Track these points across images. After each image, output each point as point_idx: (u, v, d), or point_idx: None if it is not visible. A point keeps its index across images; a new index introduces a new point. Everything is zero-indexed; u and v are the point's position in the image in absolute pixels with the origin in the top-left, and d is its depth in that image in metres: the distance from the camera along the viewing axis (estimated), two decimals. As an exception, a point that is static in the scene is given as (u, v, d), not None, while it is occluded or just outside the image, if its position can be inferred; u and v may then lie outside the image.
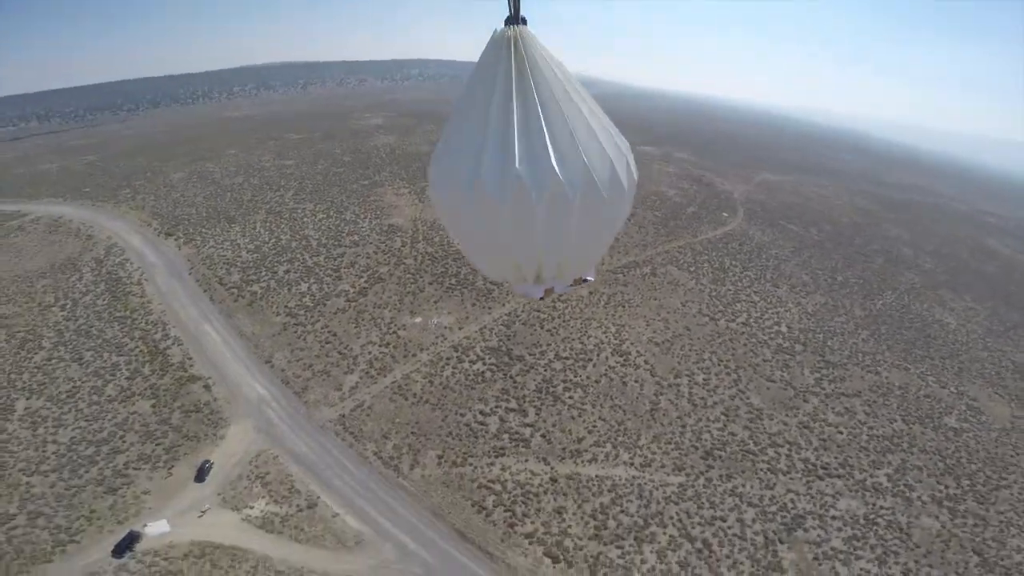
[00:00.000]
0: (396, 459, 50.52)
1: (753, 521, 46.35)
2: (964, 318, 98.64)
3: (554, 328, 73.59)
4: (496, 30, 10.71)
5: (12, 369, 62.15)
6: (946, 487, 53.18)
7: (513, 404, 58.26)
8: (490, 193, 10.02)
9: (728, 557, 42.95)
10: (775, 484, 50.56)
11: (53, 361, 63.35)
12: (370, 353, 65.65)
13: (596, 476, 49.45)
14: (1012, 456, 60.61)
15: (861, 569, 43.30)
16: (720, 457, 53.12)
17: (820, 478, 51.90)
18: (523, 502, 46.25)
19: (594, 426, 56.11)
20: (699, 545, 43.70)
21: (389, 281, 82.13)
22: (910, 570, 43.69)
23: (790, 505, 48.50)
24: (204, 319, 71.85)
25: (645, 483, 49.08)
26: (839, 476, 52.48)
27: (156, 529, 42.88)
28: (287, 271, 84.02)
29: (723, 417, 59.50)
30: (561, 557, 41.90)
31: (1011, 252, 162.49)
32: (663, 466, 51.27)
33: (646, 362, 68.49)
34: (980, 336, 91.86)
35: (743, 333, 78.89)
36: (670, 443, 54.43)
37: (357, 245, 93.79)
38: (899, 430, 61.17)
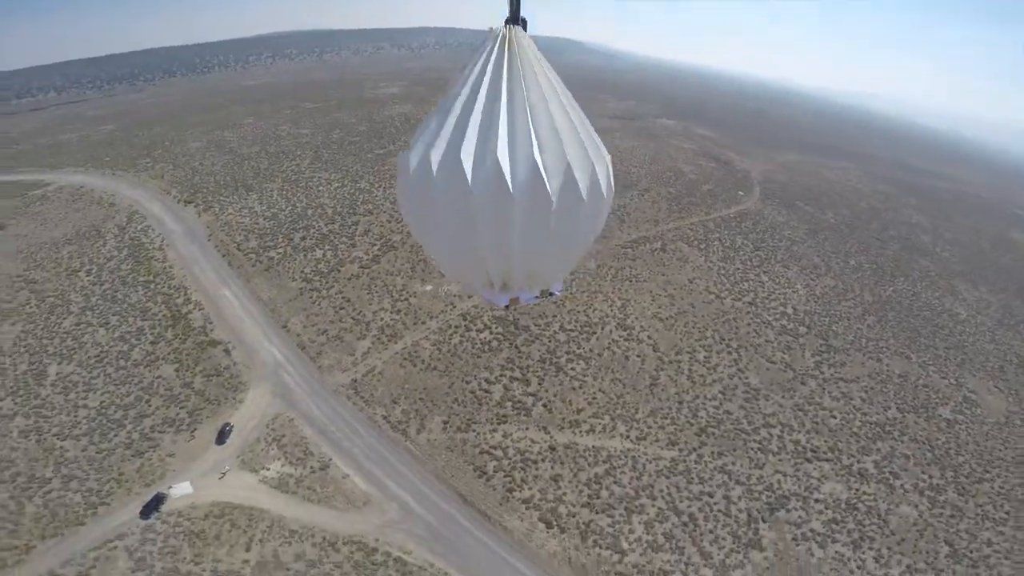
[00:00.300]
0: (404, 423, 53.27)
1: (739, 499, 48.36)
2: (975, 309, 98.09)
3: (561, 300, 75.03)
4: (493, 29, 10.82)
5: (44, 334, 65.52)
6: (930, 477, 54.47)
7: (517, 373, 60.49)
8: (470, 186, 9.85)
9: (711, 532, 45.13)
10: (764, 464, 52.43)
11: (81, 326, 66.62)
12: (382, 319, 68.01)
13: (593, 447, 51.81)
14: (1000, 450, 61.53)
15: (836, 552, 45.11)
16: (713, 434, 55.02)
17: (808, 460, 53.60)
18: (522, 468, 48.85)
19: (594, 398, 58.21)
20: (685, 519, 45.90)
21: (401, 249, 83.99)
22: (882, 556, 45.38)
23: (776, 486, 50.32)
24: (223, 284, 74.58)
25: (639, 456, 51.32)
26: (827, 460, 54.08)
27: (180, 491, 45.73)
28: (303, 238, 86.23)
29: (720, 395, 61.17)
30: (555, 523, 44.46)
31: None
32: (657, 440, 53.40)
33: (649, 337, 69.98)
34: (989, 328, 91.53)
35: (748, 312, 79.77)
36: (666, 418, 56.43)
37: (371, 213, 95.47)
38: (892, 418, 62.30)
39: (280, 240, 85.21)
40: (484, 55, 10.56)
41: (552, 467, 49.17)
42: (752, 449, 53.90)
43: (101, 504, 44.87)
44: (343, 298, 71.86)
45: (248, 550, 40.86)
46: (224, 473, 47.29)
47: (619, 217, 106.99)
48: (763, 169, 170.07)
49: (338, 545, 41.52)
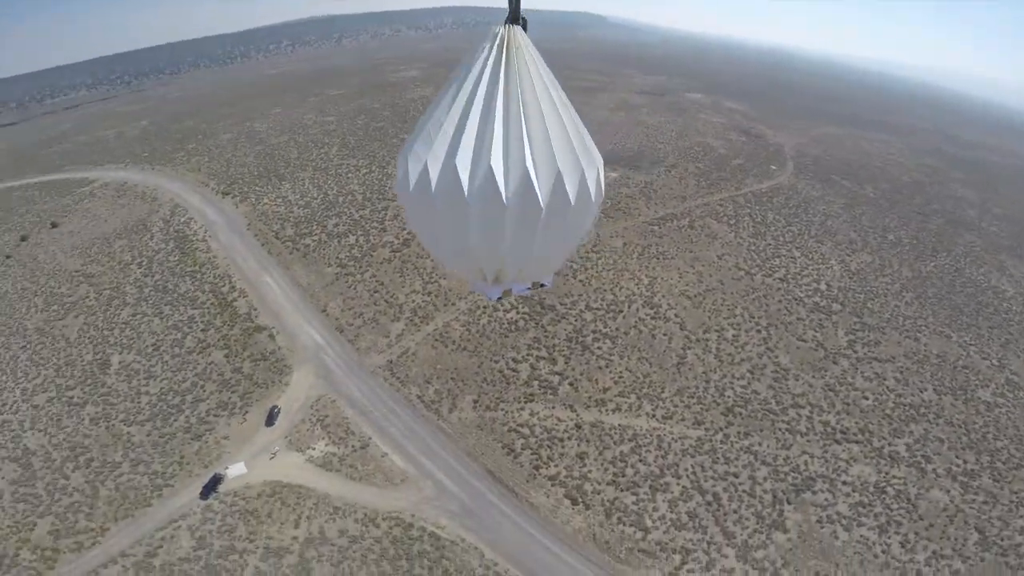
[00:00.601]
0: (437, 403, 55.64)
1: (764, 479, 48.85)
2: (1023, 286, 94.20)
3: (587, 279, 75.87)
4: (492, 28, 10.86)
5: (104, 325, 70.30)
6: (964, 462, 53.43)
7: (544, 352, 62.02)
8: (464, 193, 10.08)
9: (735, 512, 45.89)
10: (791, 445, 52.62)
11: (137, 316, 71.16)
12: (414, 302, 70.30)
13: (619, 425, 53.13)
14: (1042, 435, 59.78)
15: (861, 536, 45.15)
16: (740, 414, 55.48)
17: (837, 442, 53.42)
18: (548, 446, 50.61)
19: (620, 377, 59.31)
20: (709, 498, 46.79)
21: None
22: (908, 541, 45.18)
23: (803, 467, 50.49)
24: (264, 271, 78.13)
25: (665, 435, 52.38)
26: (857, 442, 53.74)
27: (235, 471, 48.84)
28: (336, 224, 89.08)
29: (748, 375, 61.32)
30: (580, 500, 46.07)
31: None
32: (683, 419, 54.28)
33: (676, 315, 70.24)
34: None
35: (779, 289, 78.89)
36: (692, 397, 57.16)
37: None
38: (928, 400, 61.12)
39: (315, 227, 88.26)
40: (482, 56, 10.67)
41: (578, 445, 50.77)
42: (780, 430, 54.15)
43: (166, 486, 48.48)
44: (377, 281, 74.41)
45: (297, 527, 43.93)
46: (274, 454, 50.44)
47: (645, 194, 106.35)
48: (797, 143, 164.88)
49: (378, 521, 44.22)
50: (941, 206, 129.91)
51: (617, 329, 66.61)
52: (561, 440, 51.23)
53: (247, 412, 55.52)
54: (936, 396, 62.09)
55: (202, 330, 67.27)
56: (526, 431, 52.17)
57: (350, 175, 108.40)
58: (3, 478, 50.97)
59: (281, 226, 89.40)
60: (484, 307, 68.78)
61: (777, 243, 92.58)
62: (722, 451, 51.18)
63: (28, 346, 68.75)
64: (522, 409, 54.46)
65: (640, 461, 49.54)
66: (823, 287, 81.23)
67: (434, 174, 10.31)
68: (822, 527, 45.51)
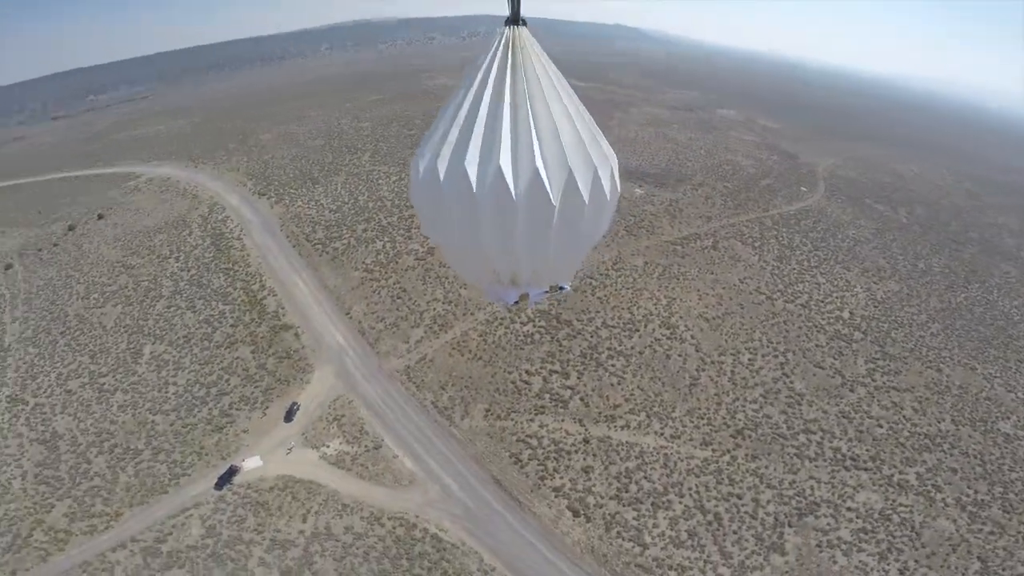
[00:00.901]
0: (449, 409, 57.19)
1: (768, 502, 48.93)
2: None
3: (605, 296, 76.60)
4: (496, 30, 11.04)
5: (140, 315, 74.04)
6: (975, 492, 52.65)
7: (557, 367, 63.03)
8: (475, 194, 10.16)
9: (735, 532, 46.12)
10: (799, 469, 52.52)
11: (172, 308, 74.75)
12: (434, 310, 72.16)
13: (626, 442, 53.79)
14: (1063, 469, 58.24)
15: (860, 561, 44.94)
16: (750, 437, 55.55)
17: (846, 469, 53.12)
18: (555, 458, 51.59)
19: (632, 394, 59.94)
20: (710, 518, 47.11)
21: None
22: (908, 568, 44.81)
23: (808, 492, 50.39)
24: (294, 272, 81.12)
25: (671, 453, 52.83)
26: (866, 469, 53.36)
27: (251, 464, 50.77)
28: (364, 230, 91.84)
29: (761, 399, 61.28)
30: (582, 512, 46.92)
31: None
32: (692, 439, 54.63)
33: (693, 337, 70.47)
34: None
35: (800, 315, 78.36)
36: (703, 418, 57.43)
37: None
38: (945, 430, 60.18)
39: (344, 232, 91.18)
40: (488, 58, 10.76)
41: (584, 459, 51.60)
42: (788, 454, 54.08)
43: (183, 475, 50.80)
44: (400, 288, 76.61)
45: (304, 521, 45.77)
46: (290, 449, 52.49)
47: (670, 212, 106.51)
48: (831, 163, 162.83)
49: (383, 520, 45.79)
50: (978, 234, 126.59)
51: (632, 348, 67.22)
52: (568, 453, 52.14)
53: (268, 407, 57.92)
54: (954, 426, 61.13)
55: (231, 325, 70.32)
56: (534, 442, 53.25)
57: (381, 181, 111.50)
58: (29, 460, 54.03)
59: (312, 228, 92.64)
60: (501, 319, 70.21)
61: (802, 268, 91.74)
62: (728, 472, 51.38)
63: (67, 332, 72.89)
64: (532, 420, 55.58)
65: (645, 478, 50.11)
66: (846, 315, 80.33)
67: (444, 176, 10.49)
68: (821, 551, 45.48)
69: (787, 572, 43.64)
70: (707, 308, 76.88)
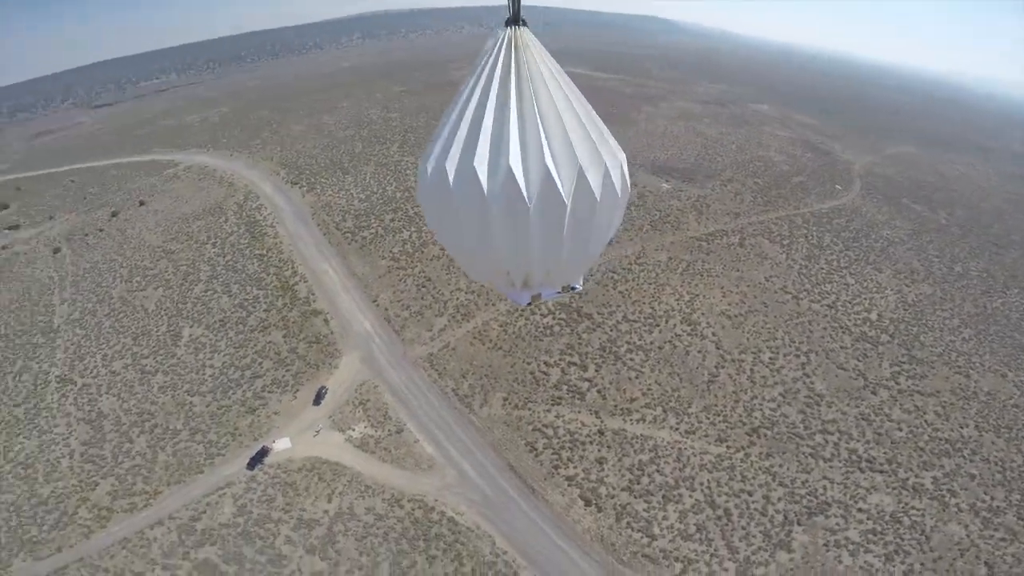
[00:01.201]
0: (469, 397, 58.86)
1: (778, 500, 49.25)
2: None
3: (627, 291, 77.03)
4: (497, 31, 11.04)
5: (179, 299, 77.73)
6: (992, 498, 51.84)
7: (575, 359, 64.06)
8: (486, 195, 10.07)
9: (743, 528, 46.69)
10: (812, 469, 52.57)
11: (209, 292, 78.22)
12: (457, 299, 73.80)
13: (641, 435, 54.62)
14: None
15: (866, 562, 44.99)
16: (765, 435, 55.69)
17: (861, 470, 52.91)
18: (570, 448, 52.84)
19: (649, 389, 60.57)
20: (720, 513, 47.77)
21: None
22: (913, 571, 44.68)
23: (820, 491, 50.47)
24: (324, 259, 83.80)
25: (685, 448, 53.48)
26: (881, 471, 53.03)
27: (281, 445, 53.31)
28: (392, 219, 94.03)
29: (780, 398, 61.16)
30: (593, 501, 48.16)
31: None
32: (706, 435, 55.10)
33: (714, 334, 70.42)
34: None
35: (825, 316, 77.35)
36: (719, 415, 57.75)
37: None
38: (967, 436, 59.09)
39: (372, 221, 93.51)
40: (491, 58, 10.73)
41: (599, 450, 52.70)
42: (803, 454, 54.09)
43: (218, 455, 53.66)
44: (425, 277, 78.46)
45: (329, 501, 48.19)
46: (318, 431, 54.91)
47: (697, 208, 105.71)
48: (868, 161, 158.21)
49: (403, 502, 47.92)
50: (1022, 237, 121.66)
51: (651, 343, 67.67)
52: (583, 443, 53.29)
53: (298, 390, 60.53)
54: (976, 432, 60.01)
55: (264, 310, 73.28)
56: (550, 432, 54.55)
57: (409, 172, 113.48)
58: (76, 439, 57.67)
59: (342, 217, 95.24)
60: (522, 311, 71.36)
61: (830, 268, 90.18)
62: (740, 469, 51.80)
63: (112, 314, 77.03)
64: (548, 411, 56.84)
65: (657, 471, 50.94)
66: (873, 317, 78.92)
67: (453, 178, 10.39)
68: (828, 551, 45.71)
69: (792, 570, 44.07)
70: (730, 305, 76.53)
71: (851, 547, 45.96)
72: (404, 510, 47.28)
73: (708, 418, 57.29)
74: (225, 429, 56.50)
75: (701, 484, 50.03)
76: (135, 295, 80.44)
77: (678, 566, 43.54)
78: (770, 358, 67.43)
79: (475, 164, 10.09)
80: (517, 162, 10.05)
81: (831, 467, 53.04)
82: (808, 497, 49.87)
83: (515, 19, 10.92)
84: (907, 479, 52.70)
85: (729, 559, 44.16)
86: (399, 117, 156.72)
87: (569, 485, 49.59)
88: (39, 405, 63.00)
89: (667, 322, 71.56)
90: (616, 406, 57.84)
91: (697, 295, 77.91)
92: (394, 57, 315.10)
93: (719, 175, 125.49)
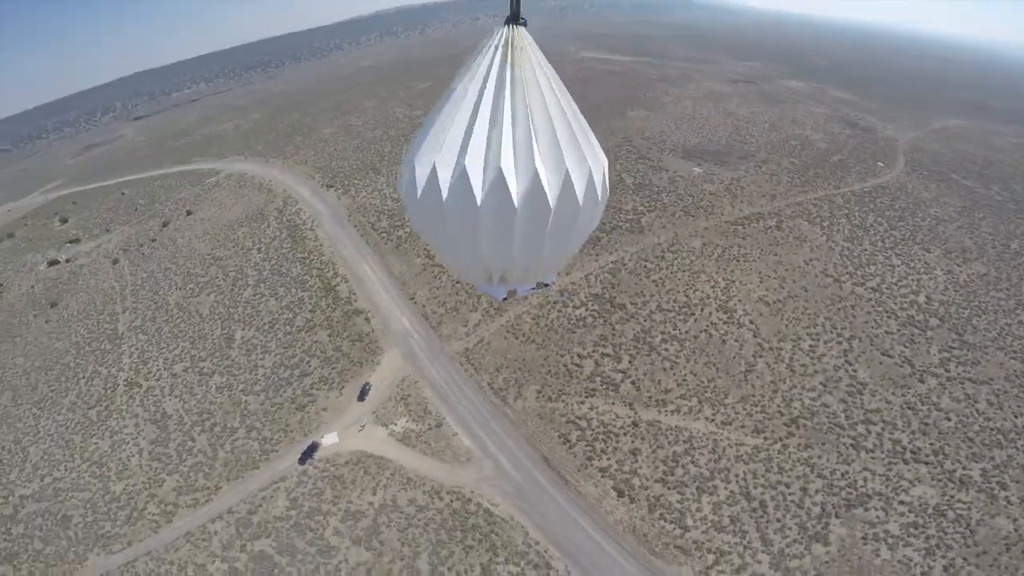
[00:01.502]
0: (504, 390, 60.19)
1: (816, 492, 48.56)
2: None
3: (660, 279, 76.53)
4: (495, 29, 11.07)
5: (230, 303, 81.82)
6: None
7: (609, 350, 64.44)
8: (476, 196, 10.12)
9: (779, 520, 46.34)
10: (853, 460, 51.53)
11: (257, 296, 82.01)
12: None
13: (675, 426, 54.78)
14: None
15: (904, 556, 43.94)
16: (804, 426, 54.87)
17: (905, 462, 51.47)
18: (603, 440, 53.53)
19: (684, 379, 60.46)
20: (755, 504, 47.56)
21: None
22: (953, 565, 43.37)
23: (860, 483, 49.45)
24: (362, 259, 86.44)
25: (721, 440, 53.34)
26: (926, 463, 51.45)
27: (329, 440, 56.08)
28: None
29: (820, 387, 59.96)
30: (626, 493, 48.78)
31: None
32: (743, 426, 54.75)
33: (751, 322, 69.26)
34: None
35: (869, 300, 74.88)
36: (756, 406, 57.20)
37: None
38: (1021, 425, 56.37)
39: (406, 220, 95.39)
40: (486, 57, 10.75)
41: (632, 441, 53.18)
42: (844, 444, 53.08)
43: (272, 451, 56.88)
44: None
45: (374, 494, 50.52)
46: (363, 426, 57.42)
47: (731, 191, 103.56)
48: (912, 136, 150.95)
49: (442, 494, 49.82)
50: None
51: (687, 332, 67.25)
52: (616, 435, 53.89)
53: (343, 387, 63.23)
54: (1033, 422, 57.25)
55: (310, 311, 76.44)
56: (583, 424, 55.35)
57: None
58: (144, 438, 62.12)
59: (377, 218, 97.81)
60: (554, 303, 72.15)
61: (874, 249, 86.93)
62: (778, 461, 51.32)
63: (170, 320, 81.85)
64: (582, 403, 57.61)
65: (692, 463, 51.09)
66: (922, 300, 75.91)
67: (444, 178, 10.40)
68: (866, 544, 44.90)
69: (827, 563, 43.60)
70: (768, 291, 74.99)
71: (890, 540, 45.00)
72: (443, 501, 49.15)
73: (745, 409, 56.86)
74: (278, 426, 59.62)
75: (736, 476, 49.89)
76: (190, 301, 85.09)
77: (710, 557, 43.80)
78: (810, 346, 66.03)
79: (466, 163, 10.17)
80: (509, 164, 10.15)
81: (873, 458, 51.88)
82: (847, 489, 49.01)
83: (515, 18, 10.99)
84: (954, 471, 51.01)
85: (763, 551, 44.06)
86: (423, 114, 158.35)
87: (602, 476, 50.35)
88: (110, 407, 67.96)
89: (702, 310, 70.87)
90: (651, 397, 58.07)
91: (733, 281, 76.63)
92: (412, 54, 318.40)
93: (753, 156, 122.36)
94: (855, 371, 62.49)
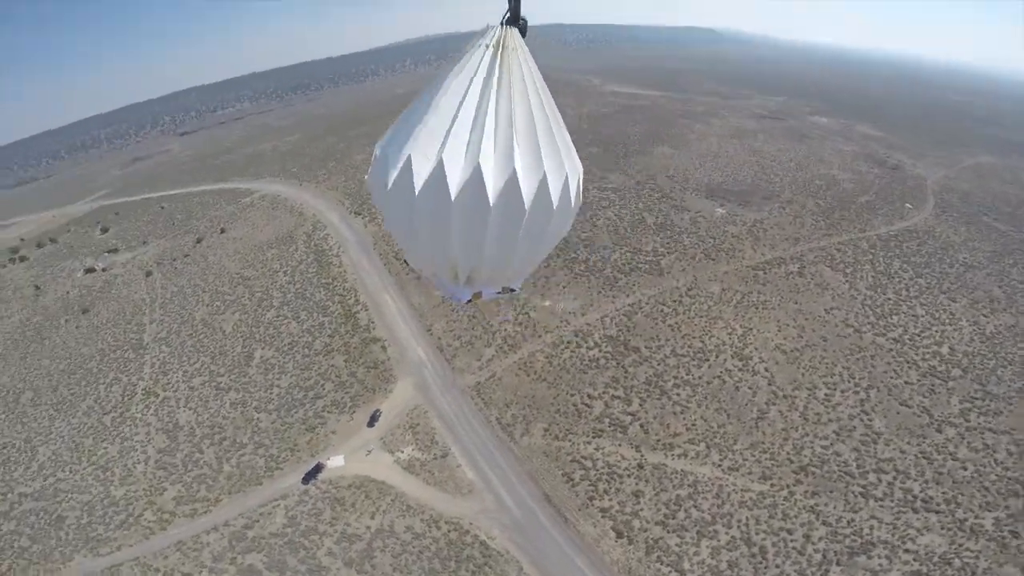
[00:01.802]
0: (511, 426, 60.85)
1: (819, 539, 47.75)
2: None
3: (676, 324, 76.50)
4: (487, 26, 10.85)
5: (253, 323, 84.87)
6: None
7: (620, 392, 64.65)
8: (450, 193, 10.04)
9: (778, 567, 45.63)
10: (860, 508, 50.61)
11: (280, 318, 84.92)
12: (505, 330, 76.15)
13: (681, 470, 54.55)
14: None
15: None
16: (813, 474, 54.09)
17: (915, 510, 50.38)
18: (607, 480, 53.58)
19: (693, 424, 60.26)
20: (755, 550, 46.93)
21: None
22: None
23: (866, 531, 48.53)
24: (384, 289, 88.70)
25: (726, 485, 52.90)
26: (937, 511, 50.27)
27: (335, 463, 57.36)
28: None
29: (833, 435, 59.08)
30: (625, 534, 48.58)
31: None
32: (750, 472, 54.24)
33: (766, 369, 68.73)
34: None
35: (890, 350, 73.59)
36: (765, 452, 56.64)
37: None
38: (1041, 477, 54.83)
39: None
40: (476, 55, 10.62)
41: (636, 483, 53.12)
42: (852, 492, 52.15)
43: (276, 469, 58.35)
44: (475, 307, 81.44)
45: (372, 518, 51.37)
46: (369, 451, 58.70)
47: (753, 234, 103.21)
48: (943, 175, 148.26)
49: (440, 523, 50.44)
50: None
51: (700, 378, 66.99)
52: (620, 476, 53.92)
53: (354, 412, 64.79)
54: (1054, 474, 55.35)
55: (329, 336, 78.76)
56: (588, 463, 55.55)
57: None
58: (153, 447, 64.52)
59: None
60: (568, 342, 73.02)
61: (898, 298, 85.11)
62: (783, 507, 50.67)
63: (194, 334, 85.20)
64: (589, 443, 57.87)
65: (695, 506, 50.79)
66: (945, 351, 74.29)
67: (419, 170, 10.19)
68: None
69: (826, 612, 42.76)
70: (786, 339, 74.17)
71: (892, 589, 43.92)
72: (441, 531, 49.77)
73: (754, 455, 56.38)
74: (286, 445, 61.22)
75: (739, 521, 49.40)
76: (215, 318, 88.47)
77: (707, 604, 43.38)
78: (826, 395, 65.22)
79: (443, 157, 10.02)
80: (488, 161, 10.08)
81: (881, 506, 50.89)
82: (852, 537, 48.13)
83: (514, 20, 10.89)
84: (965, 519, 49.75)
85: (760, 599, 43.49)
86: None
87: (603, 516, 50.35)
88: (125, 414, 70.94)
89: (717, 357, 70.51)
90: (658, 440, 58.02)
91: (751, 329, 75.98)
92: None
93: (777, 197, 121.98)
94: (871, 421, 61.48)
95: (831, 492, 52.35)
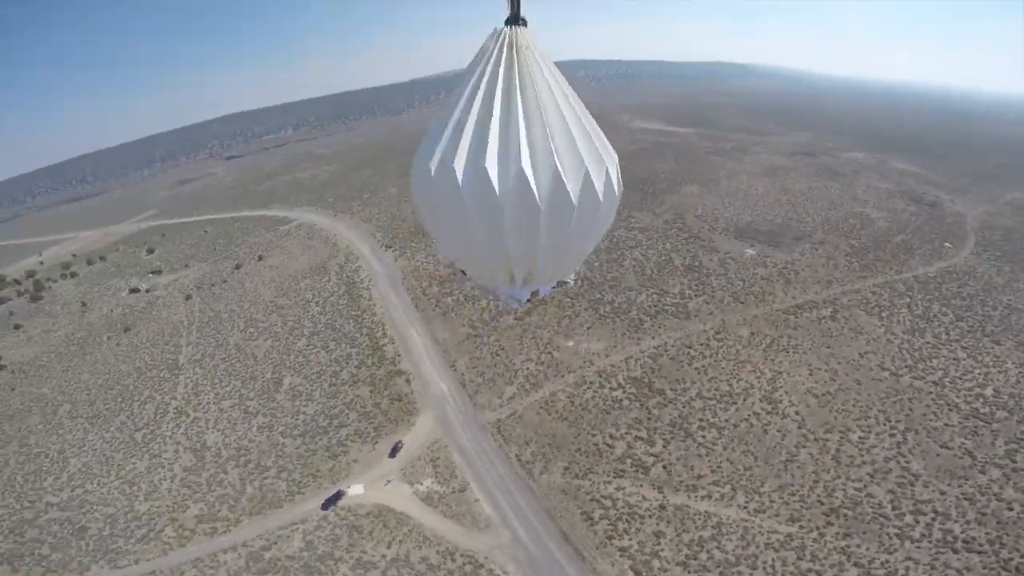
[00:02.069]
0: (531, 463, 60.45)
1: None
2: None
3: (703, 367, 74.92)
4: (495, 28, 11.07)
5: (284, 350, 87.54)
6: None
7: (643, 433, 63.59)
8: (496, 192, 10.14)
9: None
10: (896, 550, 48.20)
11: (310, 347, 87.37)
12: (528, 369, 76.40)
13: (705, 511, 52.99)
14: None
15: None
16: (845, 516, 51.79)
17: (955, 551, 47.69)
18: (627, 520, 52.42)
19: (719, 466, 58.63)
20: None
21: (551, 304, 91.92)
22: None
23: (901, 572, 46.19)
24: (410, 323, 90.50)
25: (752, 527, 51.07)
26: (979, 552, 47.53)
27: (355, 491, 58.16)
28: (473, 287, 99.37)
29: (868, 477, 56.44)
30: (644, 573, 47.22)
31: None
32: (777, 514, 52.26)
33: (797, 413, 66.52)
34: None
35: (929, 393, 70.43)
36: (794, 495, 54.53)
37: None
38: (1093, 516, 51.09)
39: (454, 288, 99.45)
40: (491, 59, 10.80)
41: (657, 524, 51.77)
42: (887, 534, 49.72)
43: (298, 493, 59.42)
44: (499, 346, 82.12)
45: (388, 547, 51.55)
46: (389, 482, 59.28)
47: (784, 276, 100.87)
48: (983, 212, 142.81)
49: (455, 556, 50.23)
50: None
51: (726, 420, 65.26)
52: (641, 517, 52.66)
53: (377, 442, 65.67)
54: (1104, 512, 51.61)
55: (356, 367, 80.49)
56: (608, 503, 54.53)
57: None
58: (180, 465, 66.58)
59: (428, 283, 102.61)
60: (591, 382, 72.80)
61: (938, 342, 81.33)
62: (812, 549, 48.60)
63: (227, 358, 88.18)
64: (609, 483, 56.91)
65: (718, 548, 49.11)
66: (989, 393, 70.79)
67: (462, 179, 10.33)
68: None
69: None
70: (817, 383, 71.51)
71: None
72: (455, 563, 49.47)
73: (781, 497, 54.39)
74: (308, 470, 62.33)
75: (765, 562, 47.50)
76: (248, 344, 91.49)
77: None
78: (860, 437, 62.74)
79: (486, 165, 10.11)
80: (528, 163, 10.20)
81: (918, 548, 48.37)
82: (884, 578, 45.76)
83: (515, 19, 11.00)
84: (1010, 559, 46.92)
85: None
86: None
87: (621, 556, 49.14)
88: (155, 432, 73.54)
89: (745, 400, 68.63)
90: (681, 482, 56.67)
91: (781, 373, 73.68)
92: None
93: (809, 237, 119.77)
94: (908, 463, 58.66)
95: (864, 534, 50.06)
